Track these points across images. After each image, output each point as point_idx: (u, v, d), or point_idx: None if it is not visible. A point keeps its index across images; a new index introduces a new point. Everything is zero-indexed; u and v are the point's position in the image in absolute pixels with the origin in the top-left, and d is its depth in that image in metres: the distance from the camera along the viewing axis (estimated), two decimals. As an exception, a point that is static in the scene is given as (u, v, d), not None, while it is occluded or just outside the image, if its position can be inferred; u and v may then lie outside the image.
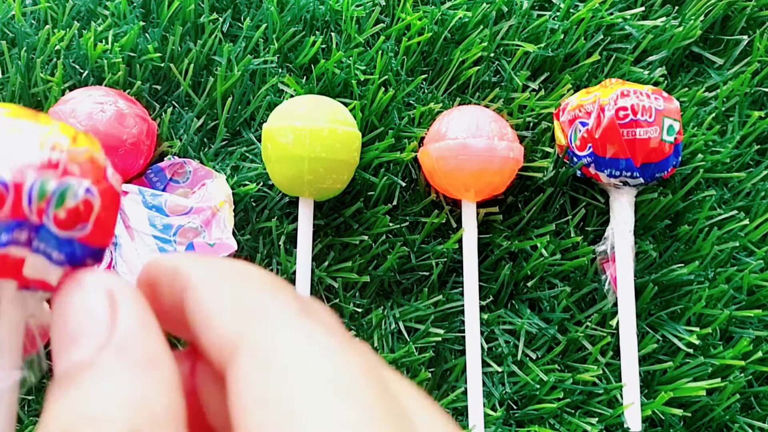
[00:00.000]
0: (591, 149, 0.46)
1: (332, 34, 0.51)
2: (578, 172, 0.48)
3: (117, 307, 0.14)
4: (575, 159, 0.47)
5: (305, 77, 0.50)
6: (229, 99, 0.49)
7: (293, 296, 0.15)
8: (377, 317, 0.47)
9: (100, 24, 0.50)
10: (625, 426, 0.45)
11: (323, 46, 0.50)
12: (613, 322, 0.47)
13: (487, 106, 0.49)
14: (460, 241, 0.47)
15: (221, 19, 0.51)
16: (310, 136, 0.42)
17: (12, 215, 0.14)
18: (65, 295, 0.15)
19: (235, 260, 0.17)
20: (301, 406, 0.12)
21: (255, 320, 0.14)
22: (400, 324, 0.47)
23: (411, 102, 0.50)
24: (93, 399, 0.13)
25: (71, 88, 0.48)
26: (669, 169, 0.46)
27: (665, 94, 0.46)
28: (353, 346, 0.14)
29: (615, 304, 0.47)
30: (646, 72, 0.51)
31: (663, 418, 0.46)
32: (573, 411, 0.46)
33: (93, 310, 0.14)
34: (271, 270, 0.48)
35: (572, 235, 0.48)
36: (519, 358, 0.46)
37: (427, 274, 0.48)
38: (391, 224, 0.48)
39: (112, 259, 0.44)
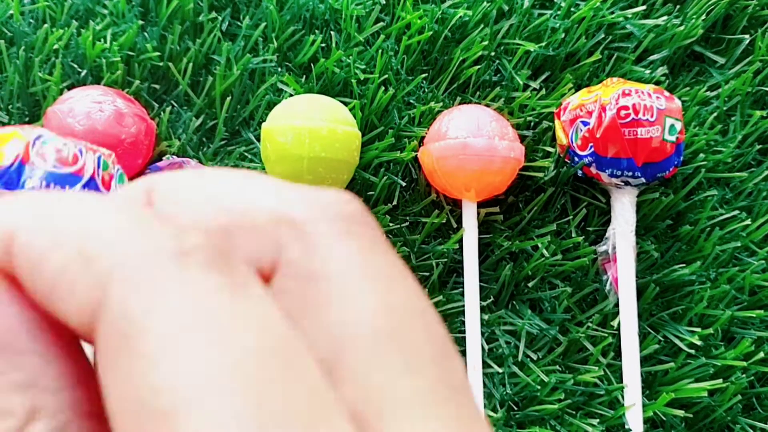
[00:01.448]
0: (592, 149, 0.45)
1: (332, 32, 0.50)
2: (579, 172, 0.48)
3: None
4: (576, 159, 0.47)
5: (305, 76, 0.50)
6: (228, 98, 0.49)
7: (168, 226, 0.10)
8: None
9: (98, 23, 0.50)
10: (627, 427, 0.45)
11: (323, 45, 0.50)
12: (615, 323, 0.47)
13: (487, 105, 0.49)
14: (460, 241, 0.47)
15: (220, 18, 0.50)
16: (309, 136, 0.42)
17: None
18: None
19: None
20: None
21: (114, 274, 0.10)
22: (400, 324, 0.47)
23: (411, 101, 0.50)
24: None
25: (69, 88, 0.48)
26: (670, 169, 0.46)
27: (667, 94, 0.46)
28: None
29: (616, 305, 0.47)
30: (648, 71, 0.51)
31: (664, 419, 0.45)
32: (574, 412, 0.45)
33: None
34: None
35: (573, 235, 0.48)
36: (520, 358, 0.46)
37: (427, 274, 0.48)
38: (391, 224, 0.48)
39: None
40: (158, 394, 0.09)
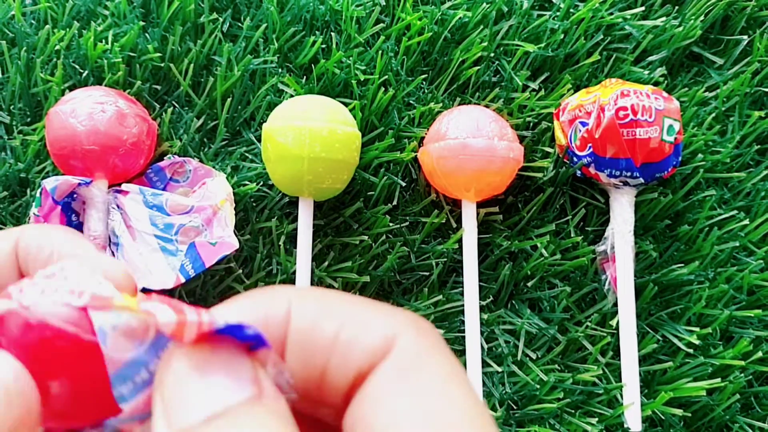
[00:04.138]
0: (591, 149, 0.46)
1: (332, 34, 0.51)
2: (578, 172, 0.48)
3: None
4: (575, 159, 0.47)
5: (305, 77, 0.50)
6: (229, 99, 0.49)
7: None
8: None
9: (100, 24, 0.50)
10: (626, 426, 0.45)
11: (323, 46, 0.50)
12: (613, 322, 0.47)
13: (487, 106, 0.49)
14: (460, 241, 0.47)
15: (221, 19, 0.51)
16: (309, 136, 0.42)
17: None
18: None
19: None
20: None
21: (402, 327, 0.15)
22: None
23: (411, 102, 0.50)
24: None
25: (71, 88, 0.48)
26: (669, 169, 0.46)
27: (665, 94, 0.46)
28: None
29: (615, 304, 0.47)
30: (647, 72, 0.51)
31: (663, 418, 0.46)
32: (573, 411, 0.46)
33: (239, 360, 0.14)
34: (271, 270, 0.48)
35: (572, 235, 0.48)
36: (519, 358, 0.46)
37: (427, 274, 0.48)
38: (391, 224, 0.48)
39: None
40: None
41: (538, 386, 0.45)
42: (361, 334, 0.15)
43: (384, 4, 0.51)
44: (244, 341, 0.14)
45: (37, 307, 0.14)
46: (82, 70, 0.49)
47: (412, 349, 0.14)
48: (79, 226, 0.46)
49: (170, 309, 0.14)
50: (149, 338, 0.14)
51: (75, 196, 0.45)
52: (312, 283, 0.47)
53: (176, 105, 0.50)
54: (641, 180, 0.46)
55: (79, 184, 0.44)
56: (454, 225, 0.49)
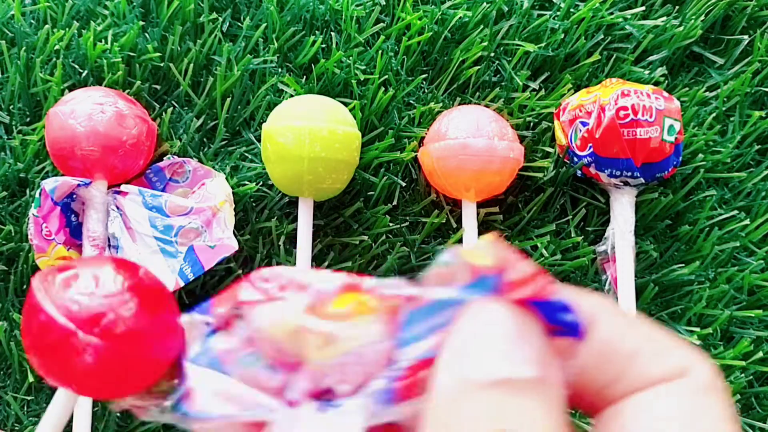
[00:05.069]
0: (591, 149, 0.46)
1: (332, 33, 0.51)
2: (579, 172, 0.48)
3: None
4: (576, 159, 0.47)
5: (305, 77, 0.50)
6: (229, 99, 0.49)
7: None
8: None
9: (99, 24, 0.50)
10: (626, 426, 0.45)
11: (323, 45, 0.50)
12: (614, 323, 0.47)
13: (487, 106, 0.49)
14: (460, 241, 0.47)
15: (221, 19, 0.51)
16: (309, 136, 0.42)
17: None
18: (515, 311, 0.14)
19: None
20: None
21: (699, 359, 0.15)
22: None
23: (411, 102, 0.50)
24: (538, 418, 0.13)
25: (71, 88, 0.48)
26: (669, 169, 0.46)
27: (666, 94, 0.46)
28: None
29: (615, 305, 0.47)
30: (647, 72, 0.51)
31: (663, 418, 0.46)
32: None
33: (540, 339, 0.14)
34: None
35: (573, 235, 0.48)
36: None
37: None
38: (391, 224, 0.48)
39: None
40: None
41: (539, 387, 0.45)
42: (662, 354, 0.15)
43: (384, 3, 0.51)
44: (552, 324, 0.14)
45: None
46: (81, 70, 0.49)
47: (705, 379, 0.15)
48: (78, 227, 0.46)
49: (524, 260, 0.14)
50: (460, 284, 0.14)
51: (74, 196, 0.45)
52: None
53: (176, 105, 0.50)
54: (642, 180, 0.46)
55: (79, 185, 0.44)
56: (454, 225, 0.49)
